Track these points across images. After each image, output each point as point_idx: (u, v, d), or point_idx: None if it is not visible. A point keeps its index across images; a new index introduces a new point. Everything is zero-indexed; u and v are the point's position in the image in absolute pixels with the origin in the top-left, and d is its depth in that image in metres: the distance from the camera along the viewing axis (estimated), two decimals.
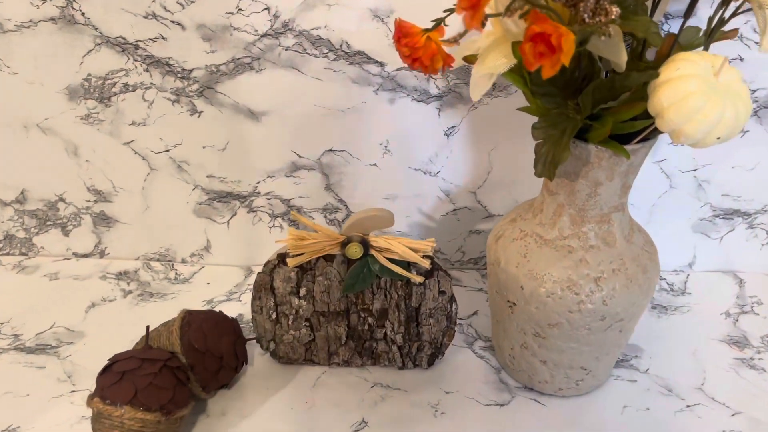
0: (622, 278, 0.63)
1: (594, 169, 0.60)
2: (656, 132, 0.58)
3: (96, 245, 0.94)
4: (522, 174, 0.86)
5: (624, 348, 0.73)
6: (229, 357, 0.68)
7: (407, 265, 0.69)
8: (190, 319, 0.69)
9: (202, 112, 0.82)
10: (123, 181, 0.88)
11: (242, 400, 0.71)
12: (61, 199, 0.90)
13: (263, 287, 0.72)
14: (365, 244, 0.68)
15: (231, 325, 0.71)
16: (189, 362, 0.66)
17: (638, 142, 0.58)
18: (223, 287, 0.90)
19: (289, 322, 0.73)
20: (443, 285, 0.71)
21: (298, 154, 0.86)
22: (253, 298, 0.73)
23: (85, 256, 0.95)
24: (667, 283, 0.93)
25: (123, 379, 0.59)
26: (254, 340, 0.76)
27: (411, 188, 0.88)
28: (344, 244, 0.68)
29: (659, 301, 0.89)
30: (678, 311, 0.88)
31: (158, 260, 0.95)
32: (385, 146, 0.85)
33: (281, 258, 0.70)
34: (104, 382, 0.59)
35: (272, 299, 0.72)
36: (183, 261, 0.95)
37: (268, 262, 0.71)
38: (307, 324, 0.73)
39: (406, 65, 0.52)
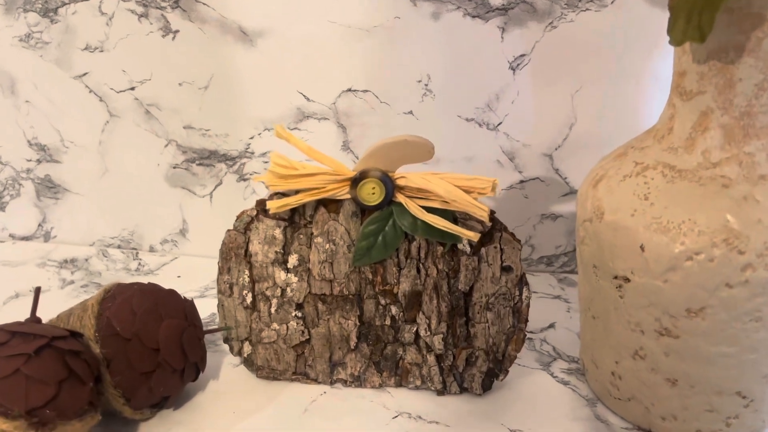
0: None
1: None
2: None
3: (39, 224, 0.74)
4: (622, 128, 0.63)
5: None
6: (172, 353, 0.46)
7: (453, 218, 0.47)
8: (116, 291, 0.47)
9: (177, 31, 0.64)
10: (74, 131, 0.69)
11: (191, 427, 0.48)
12: None
13: (234, 252, 0.50)
14: (388, 184, 0.46)
15: (181, 307, 0.49)
16: (105, 353, 0.44)
17: None
18: (197, 281, 0.68)
19: (272, 310, 0.51)
20: (509, 256, 0.48)
21: (305, 96, 0.66)
22: (220, 271, 0.51)
23: (26, 238, 0.75)
24: None
25: None
26: (221, 340, 0.53)
27: (460, 147, 0.66)
28: (356, 183, 0.46)
29: None
30: None
31: (119, 247, 0.74)
32: (425, 85, 0.64)
33: (262, 207, 0.49)
34: None
35: (247, 272, 0.50)
36: (152, 249, 0.74)
37: (243, 213, 0.49)
38: (299, 314, 0.50)
39: None
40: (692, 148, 0.42)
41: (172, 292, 0.49)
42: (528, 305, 0.49)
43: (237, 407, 0.51)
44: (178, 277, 0.70)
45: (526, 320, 0.50)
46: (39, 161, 0.71)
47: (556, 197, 0.68)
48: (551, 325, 0.62)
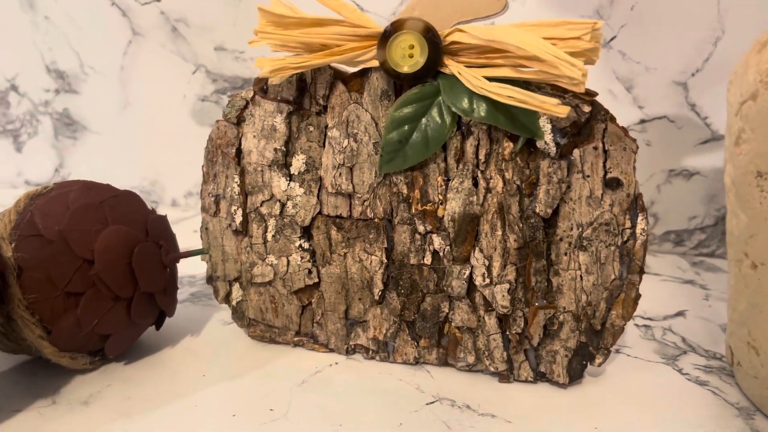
0: None
1: None
2: None
3: (56, 170, 0.65)
4: None
5: None
6: (112, 271, 0.33)
7: (527, 89, 0.31)
8: (57, 186, 0.35)
9: None
10: (94, 54, 0.60)
11: (141, 386, 0.35)
12: (14, 87, 0.63)
13: (222, 150, 0.37)
14: (433, 41, 0.31)
15: (141, 216, 0.36)
16: (18, 258, 0.32)
17: None
18: None
19: (268, 235, 0.37)
20: (617, 163, 0.32)
21: (358, 5, 0.53)
22: (204, 179, 0.38)
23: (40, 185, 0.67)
24: None
25: None
26: (205, 278, 0.40)
27: None
28: (386, 38, 0.32)
29: None
30: None
31: None
32: None
33: (260, 86, 0.36)
34: None
35: (237, 179, 0.36)
36: (174, 204, 0.63)
37: (236, 96, 0.36)
38: (305, 245, 0.36)
39: None
40: None
41: (129, 194, 0.37)
42: (645, 245, 0.33)
43: (210, 371, 0.37)
44: (195, 231, 0.58)
45: (641, 270, 0.33)
46: (57, 91, 0.63)
47: (691, 145, 0.50)
48: (680, 313, 0.44)
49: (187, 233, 0.58)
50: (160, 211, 0.62)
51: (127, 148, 0.62)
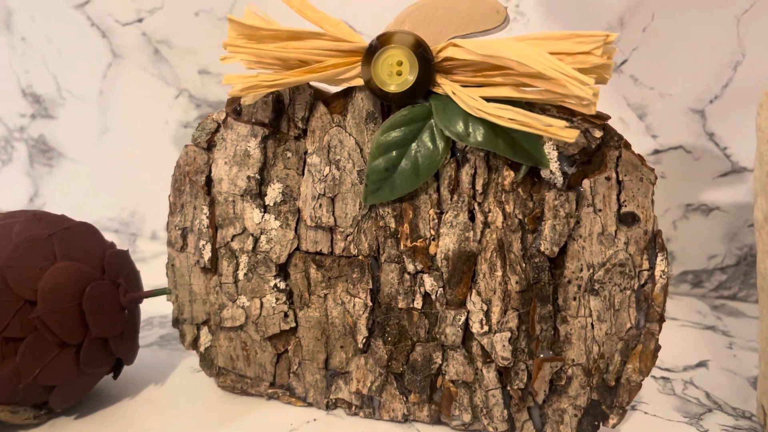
0: None
1: None
2: None
3: (31, 199, 0.62)
4: None
5: None
6: (58, 314, 0.29)
7: (529, 110, 0.28)
8: (5, 216, 0.32)
9: None
10: (72, 77, 0.58)
11: None
12: None
13: (190, 178, 0.33)
14: (423, 57, 0.28)
15: (96, 250, 0.32)
16: None
17: None
18: None
19: (239, 274, 0.33)
20: (632, 196, 0.28)
21: (351, 27, 0.50)
22: (170, 211, 0.34)
23: None
24: None
25: None
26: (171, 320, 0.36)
27: None
28: (372, 53, 0.29)
29: None
30: None
31: (116, 231, 0.60)
32: (516, 6, 0.46)
33: (234, 107, 0.32)
34: None
35: (205, 209, 0.33)
36: (154, 237, 0.59)
37: (208, 118, 0.33)
38: (280, 284, 0.32)
39: None
40: None
41: (84, 226, 0.33)
42: (665, 289, 0.29)
43: (172, 426, 0.32)
44: None
45: (662, 317, 0.29)
46: (33, 116, 0.60)
47: (710, 177, 0.47)
48: (702, 364, 0.40)
49: (162, 268, 0.54)
50: (140, 244, 0.59)
51: (105, 176, 0.59)
